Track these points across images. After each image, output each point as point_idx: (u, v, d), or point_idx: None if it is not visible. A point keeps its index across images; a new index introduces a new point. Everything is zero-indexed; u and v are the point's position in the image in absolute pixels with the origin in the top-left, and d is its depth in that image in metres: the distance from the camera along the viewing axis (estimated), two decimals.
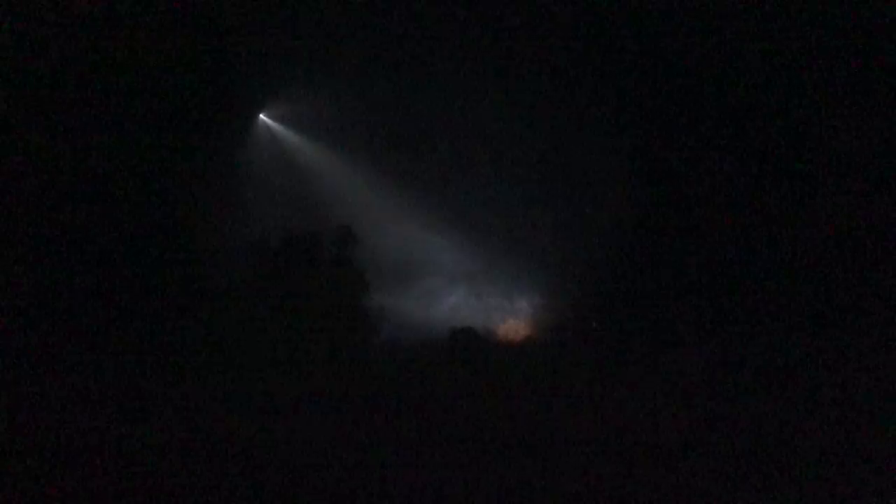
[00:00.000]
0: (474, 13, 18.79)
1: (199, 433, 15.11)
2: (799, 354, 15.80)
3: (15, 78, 17.16)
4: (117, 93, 17.74)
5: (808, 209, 16.37)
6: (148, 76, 18.02)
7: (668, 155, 17.76)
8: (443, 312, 19.42)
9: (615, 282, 17.97)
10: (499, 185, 19.59)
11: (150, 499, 13.10)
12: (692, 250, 17.31)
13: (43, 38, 17.26)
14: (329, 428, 15.74)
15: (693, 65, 17.29)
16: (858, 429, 14.83)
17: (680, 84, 17.52)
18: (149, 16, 17.88)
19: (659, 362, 16.67)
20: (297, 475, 14.75)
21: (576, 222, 18.59)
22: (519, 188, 19.40)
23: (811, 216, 16.29)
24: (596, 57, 18.17)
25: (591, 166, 18.51)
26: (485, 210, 19.81)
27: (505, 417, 16.54)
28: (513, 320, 19.42)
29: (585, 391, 16.72)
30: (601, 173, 18.40)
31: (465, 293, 19.82)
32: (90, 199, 17.43)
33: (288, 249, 17.97)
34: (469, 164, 19.94)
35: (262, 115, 21.41)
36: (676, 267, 17.39)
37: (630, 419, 16.18)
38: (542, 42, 18.64)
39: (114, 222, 17.54)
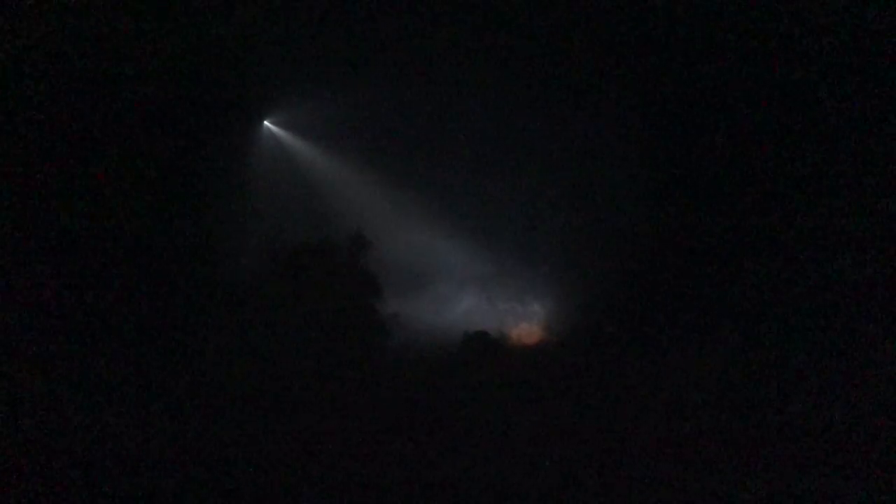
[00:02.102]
0: (483, 15, 18.81)
1: (216, 435, 15.12)
2: (809, 358, 16.03)
3: (21, 84, 17.05)
4: (118, 103, 17.68)
5: (820, 212, 16.61)
6: (148, 84, 17.97)
7: (681, 159, 17.91)
8: (456, 317, 19.41)
9: (628, 285, 18.05)
10: (511, 190, 19.62)
11: (162, 497, 13.12)
12: (704, 254, 17.46)
13: (50, 46, 17.17)
14: (346, 431, 15.76)
15: (705, 69, 17.49)
16: (867, 427, 15.12)
17: (693, 88, 17.69)
18: (150, 25, 17.84)
19: (671, 365, 16.80)
20: (312, 476, 14.77)
21: (588, 226, 18.64)
22: (531, 192, 19.44)
23: (823, 219, 16.52)
24: (610, 60, 18.27)
25: (603, 170, 18.60)
26: (497, 214, 19.82)
27: (518, 420, 16.62)
28: (525, 324, 19.45)
29: (598, 394, 16.83)
30: (614, 177, 18.49)
31: (478, 298, 19.83)
32: (98, 208, 17.33)
33: (301, 256, 17.94)
34: (480, 169, 19.95)
35: (266, 122, 21.27)
36: (689, 270, 17.52)
37: (643, 421, 16.33)
38: (553, 44, 18.70)
39: (119, 231, 17.44)
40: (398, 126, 20.45)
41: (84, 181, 17.38)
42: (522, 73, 19.09)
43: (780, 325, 16.52)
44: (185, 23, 18.27)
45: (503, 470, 15.65)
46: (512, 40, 18.87)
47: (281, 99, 20.86)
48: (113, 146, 17.69)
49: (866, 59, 16.64)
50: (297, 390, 16.35)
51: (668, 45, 17.86)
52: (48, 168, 17.10)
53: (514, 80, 19.15)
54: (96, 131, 17.50)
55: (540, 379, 17.57)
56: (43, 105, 17.10)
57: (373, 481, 15.11)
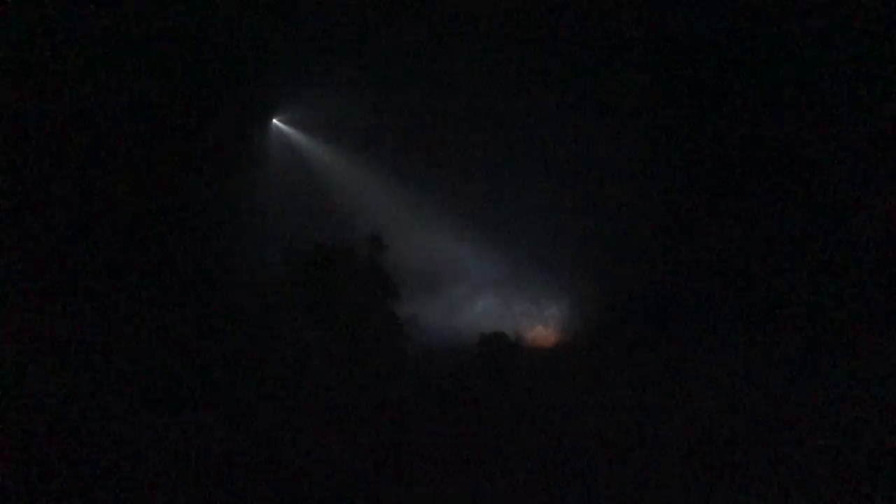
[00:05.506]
0: (504, 17, 18.75)
1: (231, 436, 15.08)
2: (823, 359, 16.25)
3: (27, 83, 16.81)
4: (124, 102, 17.52)
5: (835, 217, 16.85)
6: (155, 83, 17.81)
7: (697, 163, 18.06)
8: (472, 319, 19.40)
9: (644, 288, 18.15)
10: (527, 192, 19.61)
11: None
12: (721, 257, 17.63)
13: (61, 47, 16.96)
14: (366, 432, 15.79)
15: (721, 77, 17.65)
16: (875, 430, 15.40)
17: (709, 95, 17.84)
18: (157, 24, 17.66)
19: (688, 368, 16.96)
20: (332, 478, 14.79)
21: (604, 228, 18.69)
22: (547, 195, 19.43)
23: (838, 224, 16.77)
24: (628, 66, 18.36)
25: (620, 173, 18.65)
26: (513, 217, 19.80)
27: (535, 421, 16.74)
28: (541, 327, 19.50)
29: (615, 397, 16.96)
30: (630, 180, 18.56)
31: (494, 300, 19.83)
32: (105, 209, 17.18)
33: (318, 258, 17.86)
34: (496, 171, 19.92)
35: (275, 120, 21.08)
36: (705, 273, 17.67)
37: (659, 423, 16.49)
38: (572, 49, 18.72)
39: (127, 232, 17.30)
40: (412, 126, 20.33)
41: (92, 181, 17.19)
42: (540, 77, 19.09)
43: (797, 327, 16.72)
44: (191, 21, 18.07)
45: (518, 471, 15.75)
46: (531, 44, 18.86)
47: (290, 96, 20.67)
48: (117, 146, 17.53)
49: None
50: (315, 392, 16.33)
51: (685, 52, 17.97)
52: (57, 169, 16.91)
53: (532, 83, 19.14)
54: (101, 131, 17.36)
55: (556, 381, 17.65)
56: (50, 107, 16.89)
57: (389, 481, 15.17)
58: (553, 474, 15.76)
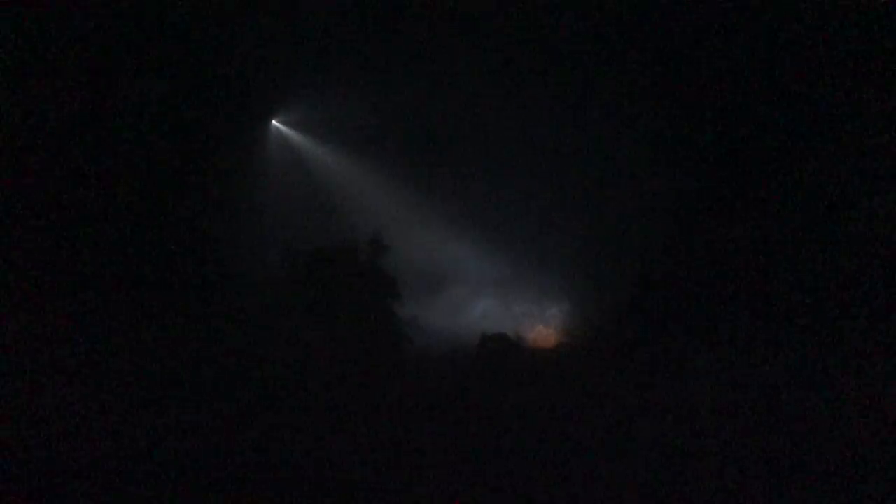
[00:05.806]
0: (503, 18, 18.75)
1: (234, 438, 14.99)
2: (827, 362, 16.24)
3: (26, 84, 16.79)
4: (123, 103, 17.51)
5: (838, 218, 16.85)
6: (154, 84, 17.79)
7: (697, 163, 18.07)
8: (473, 320, 19.44)
9: (645, 288, 18.16)
10: (527, 193, 19.61)
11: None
12: (722, 257, 17.63)
13: (61, 47, 16.94)
14: (366, 432, 15.73)
15: (723, 77, 17.66)
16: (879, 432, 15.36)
17: (710, 95, 17.85)
18: (157, 25, 17.65)
19: (690, 368, 16.95)
20: (332, 478, 14.70)
21: (605, 229, 18.71)
22: (547, 195, 19.44)
23: (840, 225, 16.77)
24: (629, 66, 18.36)
25: (620, 173, 18.68)
26: (513, 217, 19.80)
27: (535, 421, 16.70)
28: (542, 327, 19.50)
29: (616, 398, 16.94)
30: (631, 180, 18.58)
31: (494, 301, 19.84)
32: (108, 210, 17.17)
33: (319, 260, 17.85)
34: (496, 171, 19.93)
35: (274, 122, 21.10)
36: (706, 274, 17.67)
37: (660, 424, 16.47)
38: (573, 49, 18.73)
39: (128, 234, 17.29)
40: (411, 127, 20.38)
41: (92, 182, 17.17)
42: (540, 77, 19.11)
43: (797, 327, 16.71)
44: (191, 22, 18.06)
45: (518, 472, 15.68)
46: (531, 44, 18.88)
47: (290, 97, 20.70)
48: (117, 146, 17.52)
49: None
50: (315, 392, 16.28)
51: (686, 52, 17.99)
52: (56, 169, 16.89)
53: (532, 83, 19.16)
54: (100, 132, 17.36)
55: (556, 381, 17.63)
56: (49, 107, 16.86)
57: (389, 481, 15.10)
58: (553, 474, 15.66)
